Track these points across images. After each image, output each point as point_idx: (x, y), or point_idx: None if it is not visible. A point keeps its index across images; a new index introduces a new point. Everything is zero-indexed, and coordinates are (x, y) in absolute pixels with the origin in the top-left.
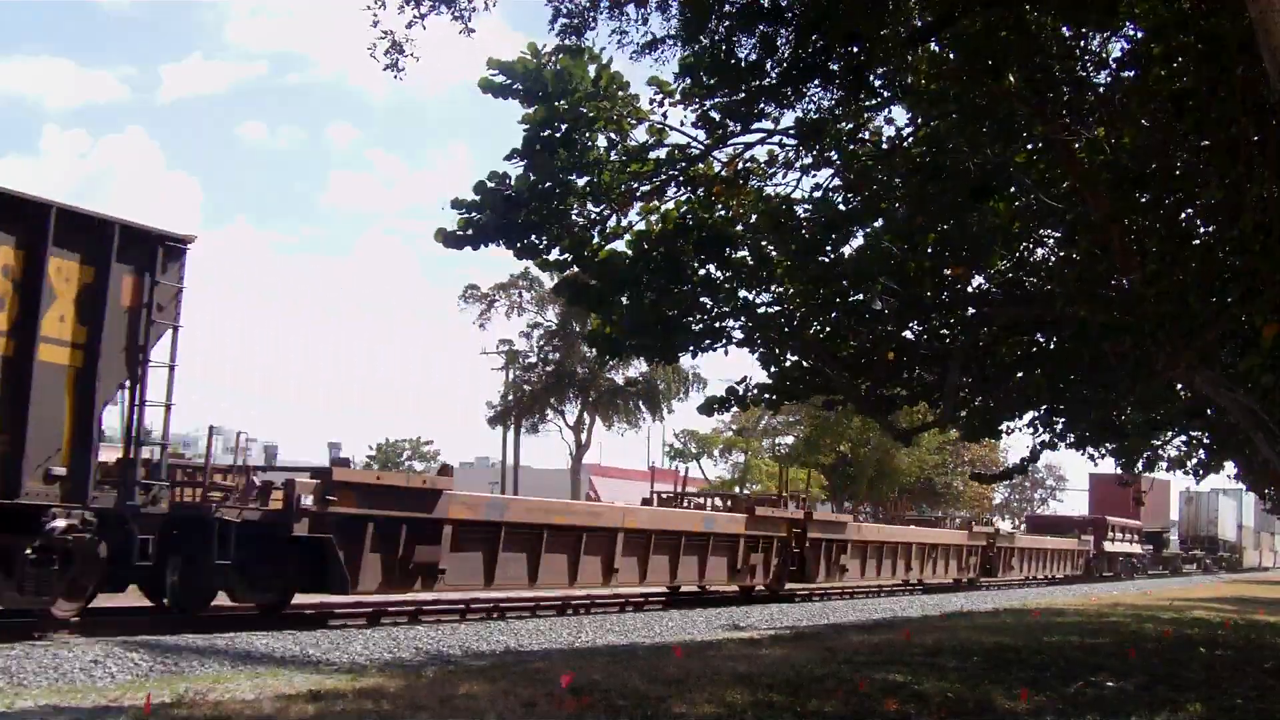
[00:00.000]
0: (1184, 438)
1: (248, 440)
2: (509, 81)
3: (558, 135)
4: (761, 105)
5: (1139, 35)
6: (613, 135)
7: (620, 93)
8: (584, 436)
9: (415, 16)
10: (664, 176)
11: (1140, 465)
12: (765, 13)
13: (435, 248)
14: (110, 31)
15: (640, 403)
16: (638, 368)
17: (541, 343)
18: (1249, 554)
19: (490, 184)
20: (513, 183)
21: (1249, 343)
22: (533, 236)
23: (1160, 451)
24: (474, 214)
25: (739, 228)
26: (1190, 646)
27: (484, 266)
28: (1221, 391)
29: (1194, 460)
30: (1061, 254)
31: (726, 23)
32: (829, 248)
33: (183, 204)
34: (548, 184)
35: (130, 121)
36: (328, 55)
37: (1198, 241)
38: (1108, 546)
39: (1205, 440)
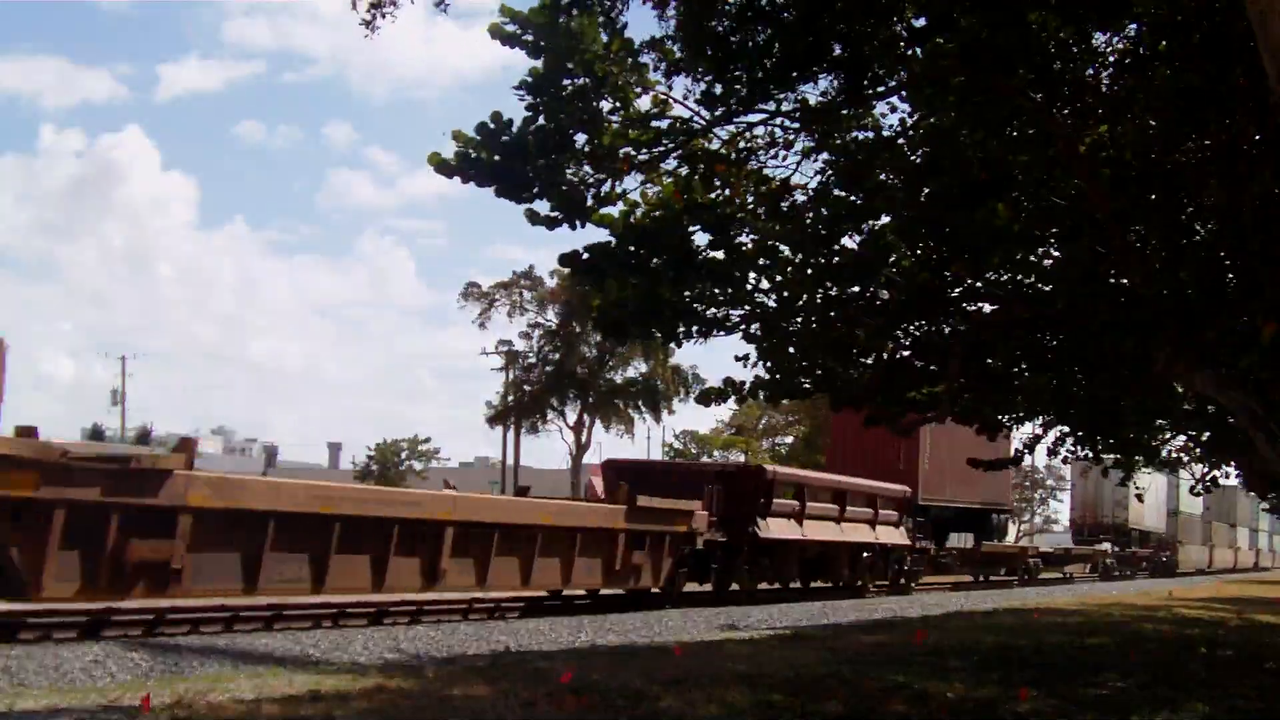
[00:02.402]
0: (1184, 438)
1: (248, 440)
2: (520, 31)
3: (563, 89)
4: (764, 88)
5: (1141, 34)
6: (616, 101)
7: (630, 59)
8: (584, 436)
9: None
10: (664, 147)
11: (1141, 465)
12: (761, 12)
13: (434, 247)
14: (107, 30)
15: (640, 402)
16: (637, 368)
17: (541, 343)
18: (1190, 551)
19: (492, 125)
20: (513, 132)
21: (1248, 341)
22: (530, 191)
23: (1159, 451)
24: (472, 152)
25: (737, 214)
26: (1190, 646)
27: (484, 266)
28: (1223, 392)
29: (1193, 460)
30: (1063, 253)
31: (725, 22)
32: (831, 243)
33: (180, 203)
34: (551, 128)
35: (127, 120)
36: (325, 54)
37: (1199, 241)
38: (769, 529)
39: (1205, 440)
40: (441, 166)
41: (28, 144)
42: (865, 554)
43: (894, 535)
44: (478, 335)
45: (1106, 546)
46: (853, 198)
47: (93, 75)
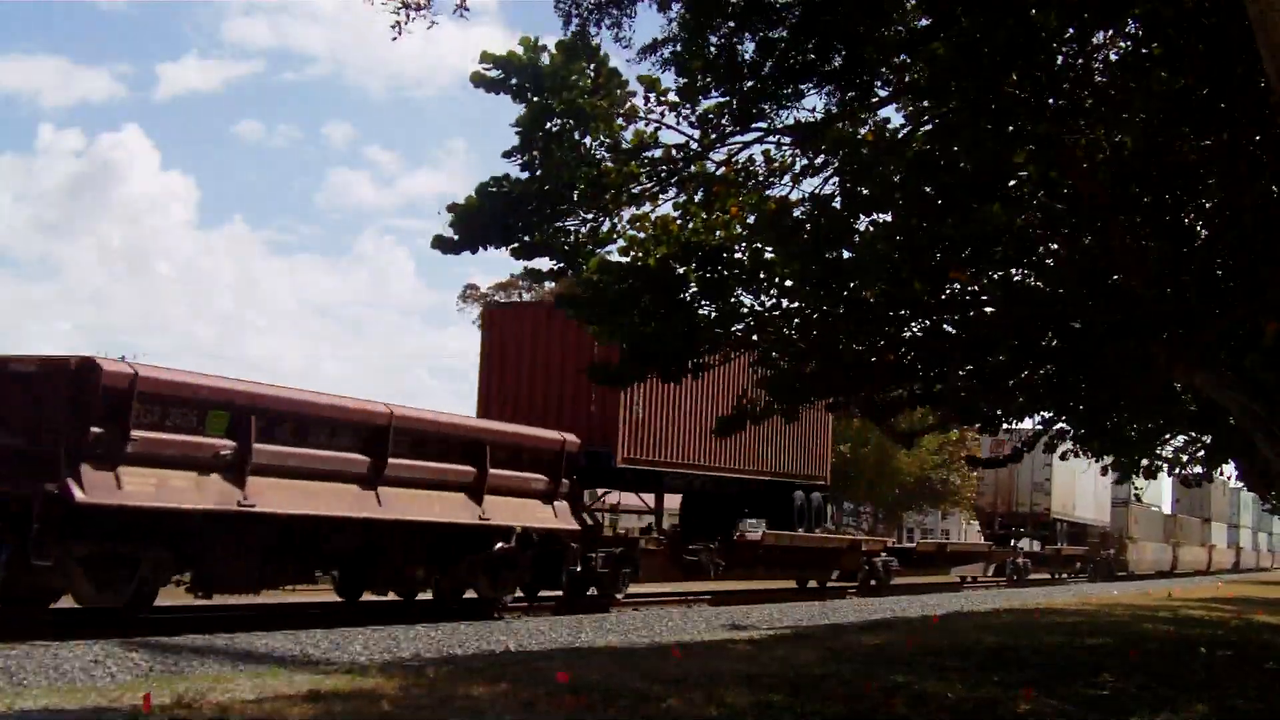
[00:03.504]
0: (1184, 439)
1: None
2: (502, 75)
3: (553, 131)
4: (759, 106)
5: (1140, 34)
6: (604, 136)
7: (619, 90)
8: None
9: None
10: (661, 177)
11: (1141, 467)
12: (764, 13)
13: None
14: (105, 29)
15: None
16: None
17: None
18: (1145, 549)
19: (492, 188)
20: (511, 185)
21: (1249, 340)
22: (528, 238)
23: (1160, 453)
24: (472, 219)
25: (738, 229)
26: (1191, 646)
27: (483, 266)
28: (1223, 392)
29: (1194, 461)
30: (1063, 254)
31: (730, 24)
32: (829, 250)
33: (179, 203)
34: (547, 186)
35: (126, 120)
36: (324, 53)
37: (1199, 241)
38: (113, 485)
39: (1205, 441)
40: (445, 245)
41: (26, 143)
42: (499, 543)
43: (542, 514)
44: (477, 335)
45: (1026, 543)
46: (851, 201)
47: (91, 74)
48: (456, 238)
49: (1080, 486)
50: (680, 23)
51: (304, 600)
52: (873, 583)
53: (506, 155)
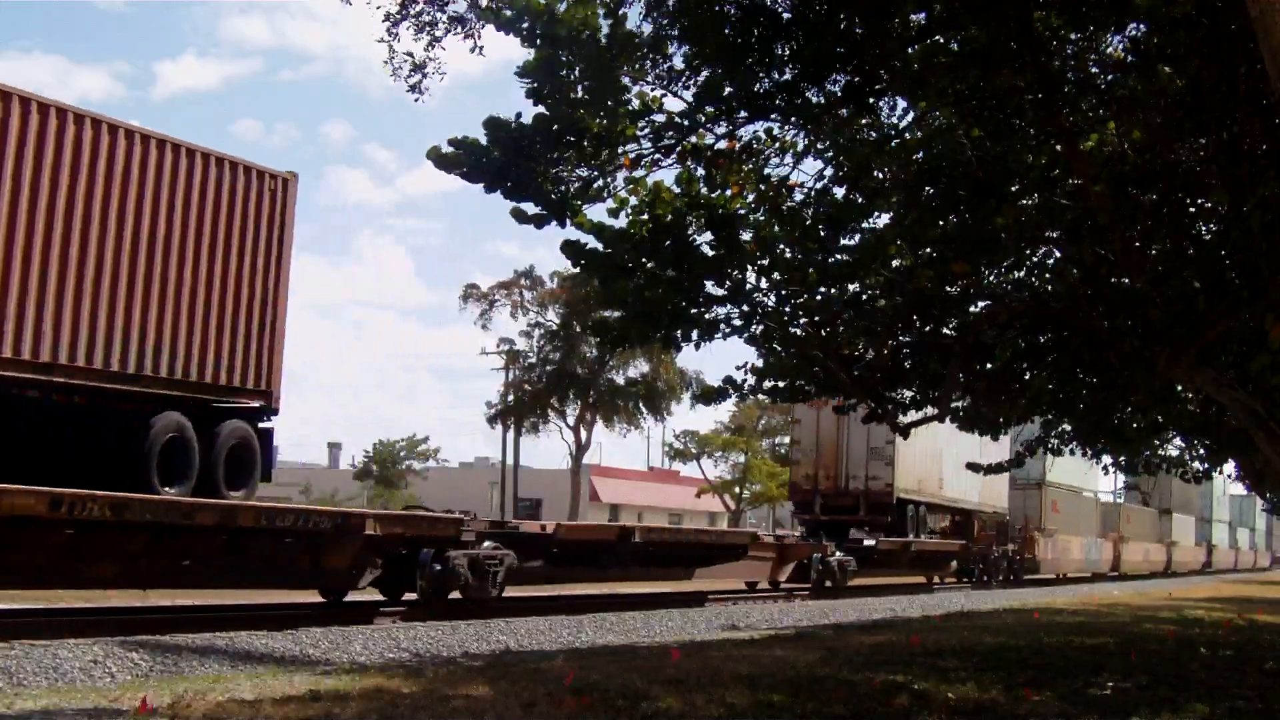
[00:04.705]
0: (1184, 438)
1: None
2: (516, 18)
3: (561, 78)
4: (767, 100)
5: (1143, 34)
6: (609, 97)
7: (634, 52)
8: (584, 436)
9: (432, 39)
10: (665, 142)
11: (1140, 467)
12: (767, 22)
13: (433, 245)
14: (103, 28)
15: (640, 403)
16: (638, 368)
17: (542, 343)
18: (1064, 546)
19: (499, 119)
20: (518, 125)
21: (1255, 342)
22: (526, 186)
23: (1160, 452)
24: (473, 152)
25: (738, 209)
26: (1191, 646)
27: (483, 266)
28: (1223, 391)
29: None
30: (1066, 254)
31: (731, 34)
32: (830, 238)
33: None
34: (555, 125)
35: (125, 118)
36: (322, 52)
37: (1202, 241)
38: None
39: (1205, 441)
40: (441, 161)
41: None
42: None
43: None
44: (478, 335)
45: (877, 539)
46: (853, 196)
47: (90, 73)
48: (455, 154)
49: (952, 458)
50: (681, 30)
51: (305, 600)
52: (455, 595)
53: (519, 73)
